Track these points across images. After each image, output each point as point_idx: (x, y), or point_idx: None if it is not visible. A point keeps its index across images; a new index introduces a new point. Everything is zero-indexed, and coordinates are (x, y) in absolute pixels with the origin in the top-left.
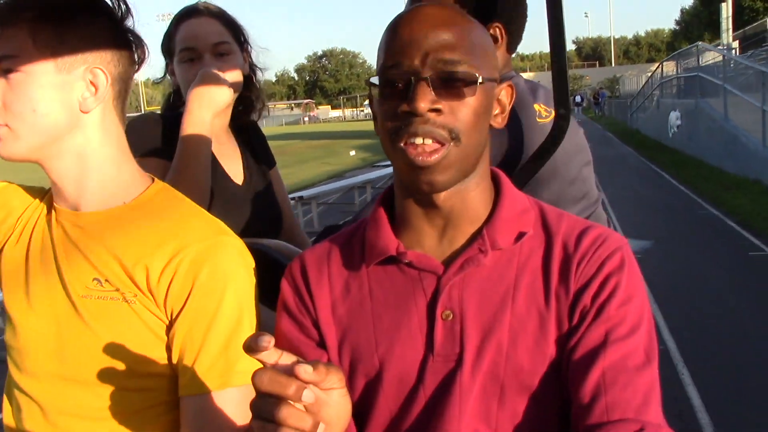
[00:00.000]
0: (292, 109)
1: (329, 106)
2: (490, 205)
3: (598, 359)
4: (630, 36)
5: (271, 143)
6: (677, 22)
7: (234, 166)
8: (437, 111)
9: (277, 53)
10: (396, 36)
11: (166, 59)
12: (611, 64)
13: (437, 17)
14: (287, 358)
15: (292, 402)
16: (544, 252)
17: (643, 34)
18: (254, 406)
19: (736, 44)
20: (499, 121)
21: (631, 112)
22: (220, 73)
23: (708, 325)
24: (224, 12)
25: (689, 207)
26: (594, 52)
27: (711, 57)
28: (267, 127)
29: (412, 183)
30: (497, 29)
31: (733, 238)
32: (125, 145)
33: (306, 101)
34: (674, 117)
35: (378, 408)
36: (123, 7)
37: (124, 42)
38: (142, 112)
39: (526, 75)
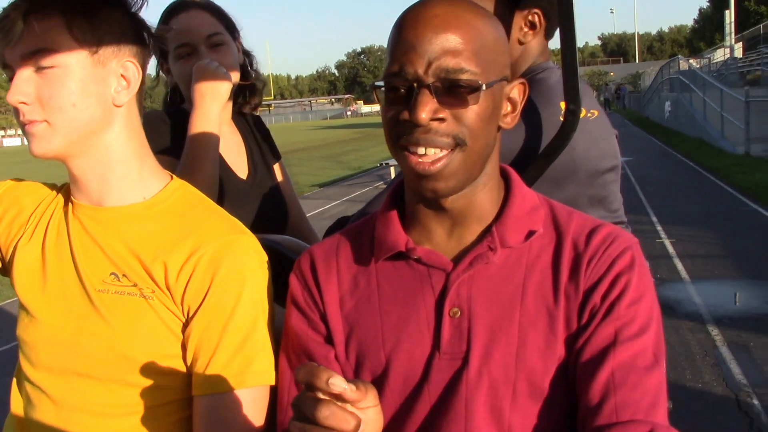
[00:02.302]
0: (332, 103)
1: (362, 102)
2: (499, 203)
3: (607, 359)
4: (654, 32)
5: (346, 130)
6: (695, 21)
7: (238, 161)
8: (440, 120)
9: (319, 50)
10: (400, 39)
11: (158, 58)
12: (636, 59)
13: (441, 19)
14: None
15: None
16: (554, 250)
17: (666, 30)
18: (302, 431)
19: (739, 45)
20: (508, 121)
21: (643, 104)
22: (216, 63)
23: (675, 195)
24: (211, 2)
25: (656, 148)
26: (618, 48)
27: (696, 63)
28: (312, 120)
29: (416, 189)
30: (536, 15)
31: (673, 157)
32: (145, 139)
33: (346, 96)
34: (667, 105)
35: (384, 404)
36: (138, 1)
37: (142, 35)
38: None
39: None
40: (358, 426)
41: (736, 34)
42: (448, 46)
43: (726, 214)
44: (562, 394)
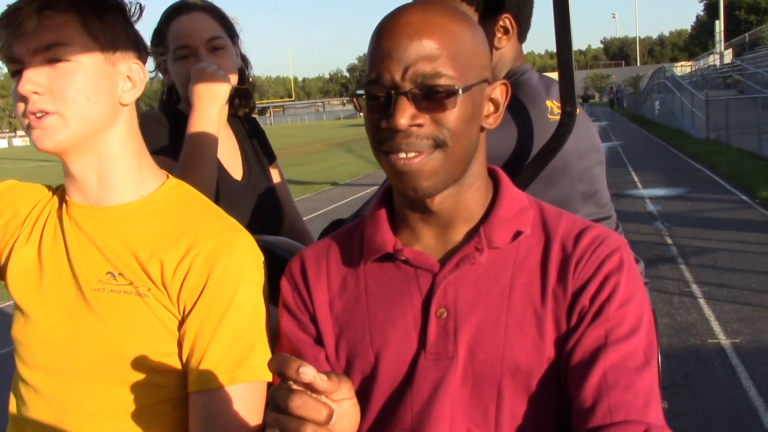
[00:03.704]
0: (343, 104)
1: None
2: (486, 204)
3: (598, 360)
4: (655, 36)
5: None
6: (692, 28)
7: (233, 162)
8: (418, 125)
9: (331, 53)
10: (377, 47)
11: (155, 57)
12: (637, 63)
13: (416, 25)
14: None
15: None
16: (542, 252)
17: (667, 34)
18: (276, 421)
19: (729, 51)
20: (491, 122)
21: (639, 103)
22: (215, 66)
23: (647, 159)
24: (214, 5)
25: (644, 136)
26: (620, 51)
27: (679, 71)
28: (327, 120)
29: (399, 188)
30: (507, 20)
31: (655, 141)
32: (142, 139)
33: None
34: (656, 104)
35: (372, 404)
36: (137, 10)
37: (139, 42)
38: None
39: (553, 75)
40: (330, 416)
41: (726, 41)
42: (424, 52)
43: (675, 166)
44: (552, 395)
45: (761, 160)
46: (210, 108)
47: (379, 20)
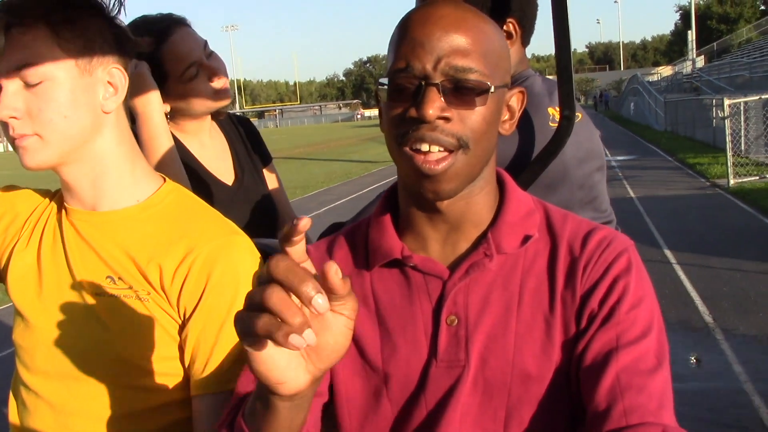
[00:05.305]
0: (340, 108)
1: (362, 107)
2: (494, 208)
3: (610, 363)
4: (638, 41)
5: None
6: (672, 34)
7: (223, 167)
8: (446, 119)
9: (328, 58)
10: (407, 36)
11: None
12: (621, 67)
13: (451, 18)
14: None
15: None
16: (549, 255)
17: (649, 39)
18: (249, 295)
19: (701, 58)
20: (507, 128)
21: (619, 105)
22: (141, 66)
23: (618, 143)
24: (182, 17)
25: (619, 130)
26: (605, 56)
27: (653, 77)
28: (326, 123)
29: (416, 190)
30: (511, 25)
31: (627, 134)
32: (135, 143)
33: (354, 101)
34: (632, 105)
35: (382, 411)
36: (116, 5)
37: (121, 41)
38: None
39: None
40: (303, 326)
41: (699, 48)
42: (457, 46)
43: (635, 145)
44: (563, 400)
45: (690, 141)
46: (145, 110)
47: (376, 24)
